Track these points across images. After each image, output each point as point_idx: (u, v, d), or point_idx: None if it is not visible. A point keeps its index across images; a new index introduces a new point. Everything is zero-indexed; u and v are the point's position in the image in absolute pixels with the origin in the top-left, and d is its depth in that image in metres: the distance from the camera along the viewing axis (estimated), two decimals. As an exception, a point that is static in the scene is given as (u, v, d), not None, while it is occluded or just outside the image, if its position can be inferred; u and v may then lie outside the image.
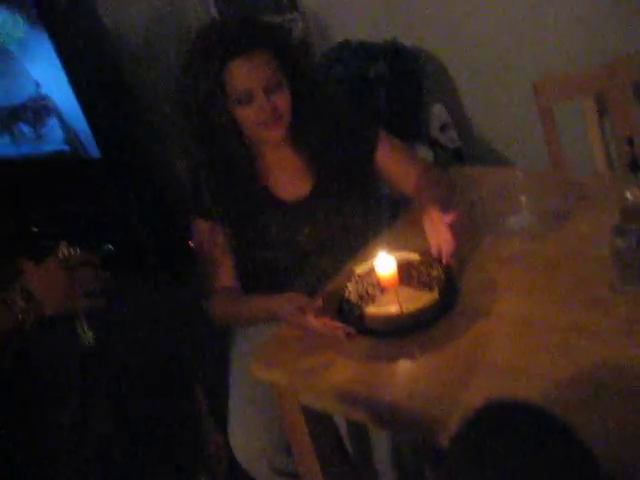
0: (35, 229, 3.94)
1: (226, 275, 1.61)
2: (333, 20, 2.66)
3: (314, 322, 1.30)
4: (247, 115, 1.51)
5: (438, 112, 2.39)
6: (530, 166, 2.02)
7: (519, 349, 1.20)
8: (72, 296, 1.19)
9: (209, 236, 1.60)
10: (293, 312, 1.33)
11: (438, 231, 1.39)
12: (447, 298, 1.34)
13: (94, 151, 3.14)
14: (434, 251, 1.39)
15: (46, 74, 3.03)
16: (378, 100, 2.38)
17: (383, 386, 1.22)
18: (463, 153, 2.43)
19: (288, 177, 1.64)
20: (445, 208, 1.43)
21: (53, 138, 3.26)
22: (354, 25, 2.60)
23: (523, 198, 1.55)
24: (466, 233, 1.47)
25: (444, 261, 1.38)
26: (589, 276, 1.31)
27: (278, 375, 1.31)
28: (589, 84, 1.82)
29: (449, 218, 1.39)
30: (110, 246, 3.64)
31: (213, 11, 3.00)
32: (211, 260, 1.61)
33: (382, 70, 2.44)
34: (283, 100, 1.51)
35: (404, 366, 1.27)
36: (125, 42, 3.18)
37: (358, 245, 1.60)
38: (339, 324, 1.30)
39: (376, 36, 2.52)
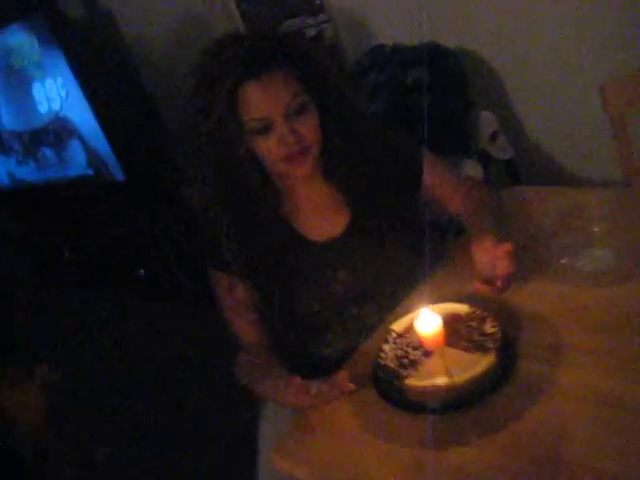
0: (66, 254, 3.83)
1: (251, 330, 1.39)
2: (365, 22, 2.42)
3: (318, 399, 1.13)
4: (267, 147, 1.26)
5: (486, 120, 2.12)
6: (598, 182, 1.73)
7: (599, 441, 0.93)
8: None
9: (230, 290, 1.38)
10: (298, 398, 1.14)
11: (492, 258, 1.17)
12: (505, 362, 1.08)
13: (118, 174, 2.98)
14: (482, 281, 1.18)
15: (64, 95, 2.88)
16: (418, 109, 2.13)
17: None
18: (517, 166, 2.16)
19: (319, 214, 1.39)
20: (500, 235, 1.21)
21: (76, 162, 3.13)
22: (388, 27, 2.35)
23: (597, 230, 1.28)
24: (524, 275, 1.22)
25: (499, 286, 1.17)
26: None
27: (303, 472, 1.07)
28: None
29: (506, 247, 1.15)
30: (142, 271, 3.51)
31: (238, 22, 2.80)
32: (235, 314, 1.39)
33: (421, 75, 2.19)
34: (309, 126, 1.26)
35: (455, 454, 1.01)
36: (146, 57, 3.00)
37: (404, 289, 1.35)
38: (339, 383, 1.13)
39: (413, 38, 2.27)
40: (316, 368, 1.36)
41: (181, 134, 1.37)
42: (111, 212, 3.24)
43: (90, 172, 3.09)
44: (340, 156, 1.33)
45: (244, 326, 1.38)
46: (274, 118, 1.23)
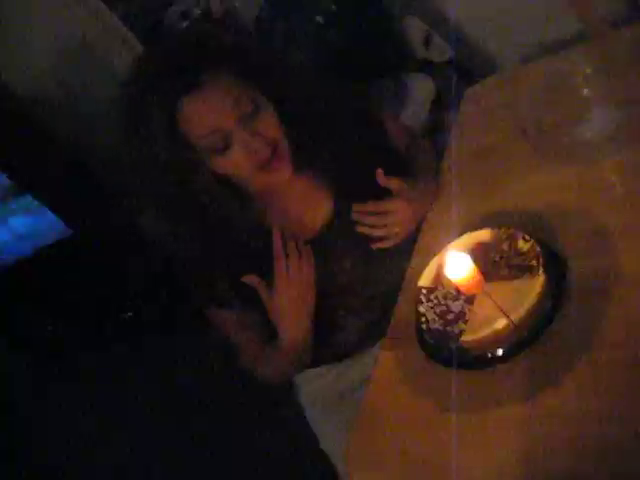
0: (50, 328, 3.63)
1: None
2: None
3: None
4: (233, 164, 1.09)
5: (411, 26, 1.95)
6: (555, 47, 1.58)
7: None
8: None
9: (235, 323, 1.24)
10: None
11: None
12: (558, 277, 0.94)
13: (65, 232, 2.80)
14: None
15: None
16: (338, 45, 1.96)
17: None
18: (464, 64, 2.00)
19: (305, 205, 1.23)
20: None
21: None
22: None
23: (586, 92, 1.13)
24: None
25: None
26: None
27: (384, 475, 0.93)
28: None
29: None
30: (130, 314, 3.35)
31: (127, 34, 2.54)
32: (246, 341, 1.26)
33: (329, 7, 2.01)
34: (270, 123, 1.09)
35: (542, 396, 0.86)
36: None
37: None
38: None
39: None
40: (337, 354, 1.29)
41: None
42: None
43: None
44: (309, 141, 1.16)
45: (258, 347, 1.25)
46: (228, 127, 1.06)
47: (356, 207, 1.17)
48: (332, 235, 1.21)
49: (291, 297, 1.15)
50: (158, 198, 1.14)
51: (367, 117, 1.28)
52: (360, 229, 1.17)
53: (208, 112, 1.05)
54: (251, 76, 1.09)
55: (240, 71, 1.08)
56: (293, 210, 1.22)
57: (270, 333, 1.20)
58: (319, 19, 2.02)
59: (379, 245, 1.18)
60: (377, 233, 1.16)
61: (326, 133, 1.17)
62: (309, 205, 1.23)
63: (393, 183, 1.16)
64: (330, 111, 1.19)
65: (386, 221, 1.16)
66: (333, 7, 2.00)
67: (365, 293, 1.23)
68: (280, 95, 1.11)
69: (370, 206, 1.16)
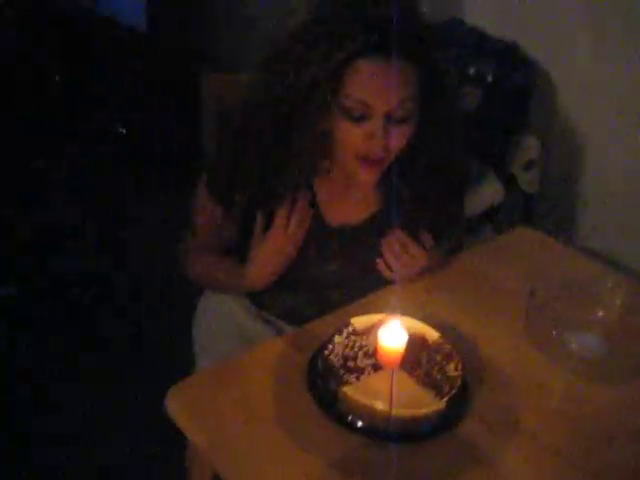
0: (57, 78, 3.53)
1: (213, 240, 1.27)
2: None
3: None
4: (350, 135, 1.07)
5: (529, 146, 1.96)
6: (613, 263, 1.60)
7: None
8: None
9: (216, 221, 1.23)
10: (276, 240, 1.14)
11: (401, 251, 1.17)
12: (455, 411, 0.96)
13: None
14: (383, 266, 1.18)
15: None
16: (468, 105, 1.96)
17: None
18: (534, 204, 2.02)
19: (347, 197, 1.23)
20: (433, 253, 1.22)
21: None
22: (472, 4, 2.15)
23: (601, 314, 1.16)
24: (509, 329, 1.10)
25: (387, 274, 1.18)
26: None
27: (197, 433, 0.93)
28: None
29: (419, 252, 1.18)
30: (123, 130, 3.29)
31: None
32: (206, 233, 1.27)
33: (486, 71, 2.01)
34: (402, 138, 1.08)
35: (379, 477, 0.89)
36: None
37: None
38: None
39: (493, 28, 2.07)
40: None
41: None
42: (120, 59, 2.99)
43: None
44: (409, 168, 1.17)
45: (212, 243, 1.26)
46: (376, 112, 1.04)
47: (393, 232, 1.18)
48: (345, 236, 1.23)
49: (277, 249, 1.16)
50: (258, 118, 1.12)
51: (464, 184, 1.31)
52: (386, 250, 1.18)
53: (381, 87, 1.02)
54: (427, 90, 1.07)
55: (425, 79, 1.06)
56: (335, 191, 1.22)
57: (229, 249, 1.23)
58: (472, 72, 2.02)
59: (385, 271, 1.19)
60: (391, 260, 1.18)
61: (429, 177, 1.18)
62: (350, 197, 1.23)
63: (427, 240, 1.19)
64: (445, 161, 1.19)
65: (405, 259, 1.18)
66: (491, 76, 2.01)
67: (324, 296, 1.24)
68: (430, 122, 1.11)
69: (403, 237, 1.18)
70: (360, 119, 1.05)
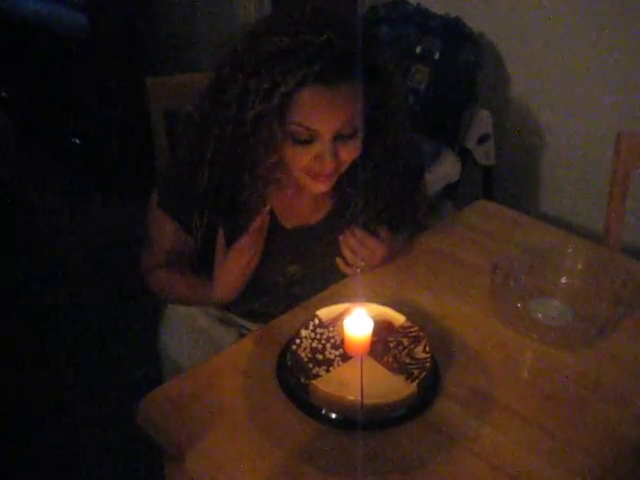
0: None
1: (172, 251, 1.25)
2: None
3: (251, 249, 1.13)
4: (298, 158, 1.07)
5: (482, 119, 1.97)
6: (569, 227, 1.62)
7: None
8: None
9: (173, 236, 1.22)
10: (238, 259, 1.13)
11: (360, 244, 1.17)
12: (425, 397, 0.96)
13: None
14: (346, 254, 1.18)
15: None
16: (416, 82, 1.96)
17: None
18: (493, 175, 2.03)
19: (301, 199, 1.23)
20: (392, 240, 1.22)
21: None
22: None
23: (564, 281, 1.17)
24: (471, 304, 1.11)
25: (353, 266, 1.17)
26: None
27: (171, 442, 0.92)
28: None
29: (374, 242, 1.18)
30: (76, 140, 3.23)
31: None
32: (163, 248, 1.24)
33: (433, 48, 2.01)
34: (352, 152, 1.08)
35: (356, 467, 0.88)
36: None
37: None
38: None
39: (437, 5, 2.08)
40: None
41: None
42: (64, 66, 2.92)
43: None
44: (361, 171, 1.15)
45: (164, 248, 1.24)
46: (323, 134, 1.03)
47: (349, 229, 1.18)
48: (303, 236, 1.23)
49: (242, 265, 1.15)
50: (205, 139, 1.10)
51: (419, 173, 1.29)
52: (343, 248, 1.18)
53: (327, 112, 1.01)
54: (375, 102, 1.06)
55: (371, 92, 1.05)
56: (288, 194, 1.21)
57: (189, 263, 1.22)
58: (419, 50, 2.02)
59: (345, 267, 1.20)
60: (350, 257, 1.18)
61: (380, 171, 1.17)
62: (304, 199, 1.22)
63: (383, 231, 1.20)
64: (395, 156, 1.17)
65: (364, 253, 1.18)
66: (436, 50, 2.01)
67: (289, 294, 1.24)
68: (379, 129, 1.10)
69: (359, 233, 1.18)
70: (307, 142, 1.04)
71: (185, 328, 1.29)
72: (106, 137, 2.91)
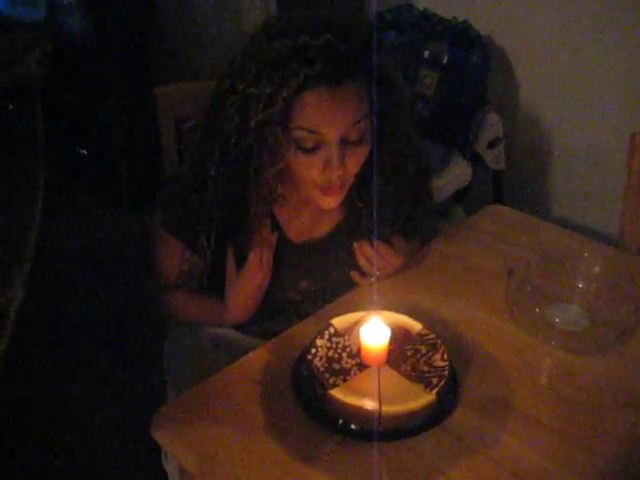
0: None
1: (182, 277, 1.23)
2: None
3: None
4: (305, 168, 1.04)
5: (492, 123, 1.96)
6: (584, 232, 1.61)
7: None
8: None
9: (180, 257, 1.20)
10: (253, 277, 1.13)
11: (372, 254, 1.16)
12: (445, 402, 0.95)
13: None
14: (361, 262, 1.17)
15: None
16: (424, 87, 1.95)
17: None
18: (503, 180, 2.02)
19: (307, 213, 1.21)
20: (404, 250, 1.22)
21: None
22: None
23: (580, 286, 1.15)
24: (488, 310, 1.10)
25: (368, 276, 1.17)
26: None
27: (187, 457, 0.90)
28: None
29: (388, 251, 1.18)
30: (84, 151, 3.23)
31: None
32: (171, 270, 1.22)
33: (441, 52, 2.00)
34: (359, 158, 1.06)
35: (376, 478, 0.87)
36: None
37: None
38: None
39: (444, 9, 2.07)
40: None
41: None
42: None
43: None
44: (368, 184, 1.15)
45: (172, 269, 1.22)
46: (329, 139, 1.01)
47: (361, 241, 1.18)
48: (313, 251, 1.22)
49: (255, 284, 1.14)
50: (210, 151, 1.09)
51: (427, 177, 1.28)
52: (360, 258, 1.17)
53: (330, 114, 0.99)
54: (380, 107, 1.04)
55: (376, 95, 1.03)
56: (294, 208, 1.20)
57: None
58: (427, 55, 2.02)
59: (360, 279, 1.19)
60: (366, 267, 1.17)
61: (390, 180, 1.16)
62: (311, 213, 1.21)
63: (396, 240, 1.20)
64: (404, 163, 1.16)
65: (379, 264, 1.17)
66: (444, 56, 2.00)
67: (301, 310, 1.21)
68: (386, 136, 1.09)
69: (375, 242, 1.17)
70: (315, 149, 1.02)
71: (190, 345, 1.28)
72: (115, 148, 2.91)
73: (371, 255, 1.16)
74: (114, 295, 2.28)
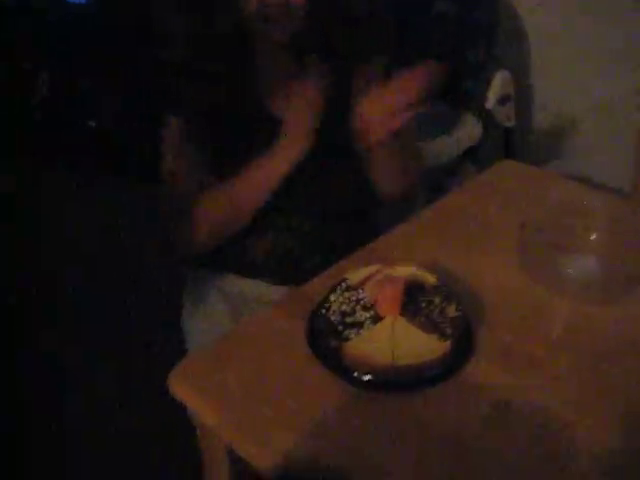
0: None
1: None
2: None
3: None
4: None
5: (502, 80, 1.93)
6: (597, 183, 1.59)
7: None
8: None
9: (183, 138, 1.18)
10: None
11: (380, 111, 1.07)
12: (460, 352, 0.95)
13: None
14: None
15: None
16: (433, 48, 1.92)
17: (362, 453, 0.83)
18: (514, 137, 2.00)
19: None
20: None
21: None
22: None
23: (593, 237, 1.15)
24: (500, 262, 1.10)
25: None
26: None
27: (205, 410, 0.92)
28: None
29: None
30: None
31: None
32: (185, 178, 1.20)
33: (447, 11, 1.97)
34: None
35: (392, 430, 0.87)
36: None
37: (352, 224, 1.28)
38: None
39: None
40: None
41: None
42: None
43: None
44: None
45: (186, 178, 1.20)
46: None
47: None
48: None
49: (308, 102, 1.11)
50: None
51: None
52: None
53: None
54: None
55: None
56: (277, 81, 1.17)
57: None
58: (434, 12, 1.98)
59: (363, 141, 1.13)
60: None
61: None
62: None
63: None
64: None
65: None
66: (453, 15, 1.97)
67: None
68: None
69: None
70: None
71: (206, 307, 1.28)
72: (122, 120, 2.89)
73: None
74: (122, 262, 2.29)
